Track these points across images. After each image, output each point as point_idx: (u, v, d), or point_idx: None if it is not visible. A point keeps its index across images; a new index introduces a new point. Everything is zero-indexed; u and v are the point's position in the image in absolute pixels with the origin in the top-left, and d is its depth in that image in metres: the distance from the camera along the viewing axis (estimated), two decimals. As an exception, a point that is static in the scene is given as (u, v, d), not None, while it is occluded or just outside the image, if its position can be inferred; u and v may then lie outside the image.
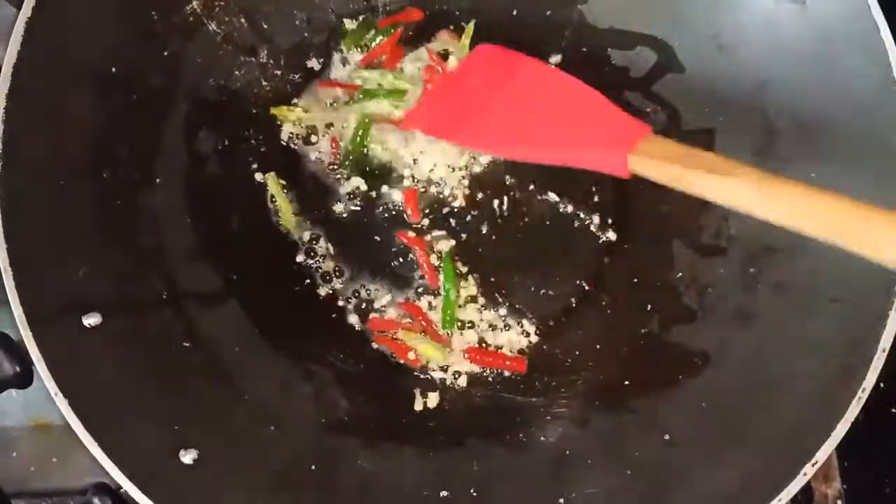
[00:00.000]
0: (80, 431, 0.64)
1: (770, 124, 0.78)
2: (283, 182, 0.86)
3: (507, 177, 0.87)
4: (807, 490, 0.83)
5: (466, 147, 0.84)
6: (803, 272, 0.74)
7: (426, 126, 0.83)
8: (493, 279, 0.86)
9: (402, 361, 0.83)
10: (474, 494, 0.73)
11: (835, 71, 0.73)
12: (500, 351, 0.84)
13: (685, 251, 0.82)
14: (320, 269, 0.85)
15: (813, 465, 0.65)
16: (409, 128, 0.85)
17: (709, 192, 0.62)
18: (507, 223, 0.87)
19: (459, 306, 0.84)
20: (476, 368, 0.83)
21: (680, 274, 0.82)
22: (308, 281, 0.84)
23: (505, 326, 0.84)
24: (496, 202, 0.87)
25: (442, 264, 0.84)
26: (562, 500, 0.72)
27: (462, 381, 0.82)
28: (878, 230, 0.55)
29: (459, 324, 0.84)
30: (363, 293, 0.85)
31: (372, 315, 0.84)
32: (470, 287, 0.85)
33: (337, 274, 0.85)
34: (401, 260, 0.86)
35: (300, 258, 0.85)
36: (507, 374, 0.83)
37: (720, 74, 0.81)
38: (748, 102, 0.79)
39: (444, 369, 0.83)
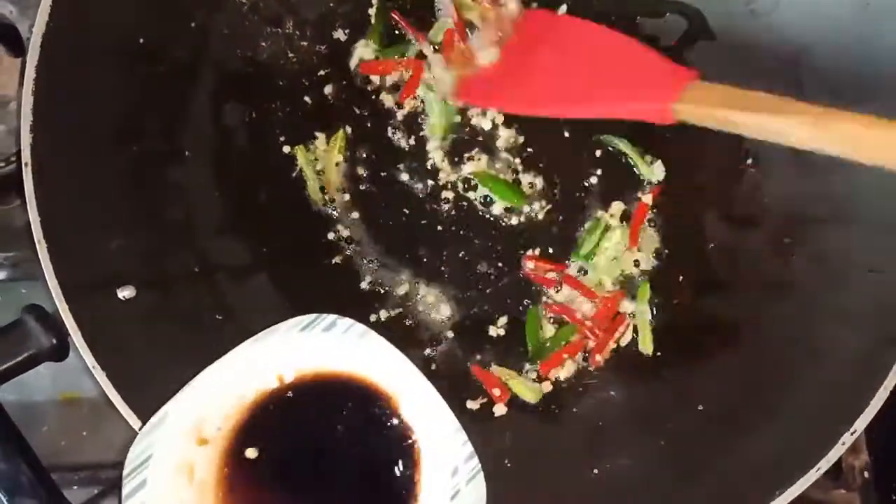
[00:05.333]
0: (118, 402, 0.65)
1: (804, 92, 0.77)
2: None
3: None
4: (835, 461, 0.83)
5: (516, 112, 0.83)
6: (839, 242, 0.74)
7: (478, 98, 0.83)
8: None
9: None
10: (508, 466, 0.73)
11: (874, 37, 0.72)
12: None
13: (718, 222, 0.82)
14: (350, 242, 0.84)
15: (852, 434, 0.65)
16: (462, 100, 0.84)
17: (762, 132, 0.61)
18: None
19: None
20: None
21: (712, 245, 0.81)
22: (338, 254, 0.84)
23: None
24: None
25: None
26: (596, 471, 0.73)
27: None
28: None
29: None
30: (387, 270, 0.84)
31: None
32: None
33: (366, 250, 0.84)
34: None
35: (331, 235, 0.84)
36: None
37: (753, 42, 0.80)
38: (781, 71, 0.78)
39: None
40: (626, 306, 0.81)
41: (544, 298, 0.82)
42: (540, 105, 0.78)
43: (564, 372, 0.80)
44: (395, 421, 0.64)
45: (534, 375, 0.80)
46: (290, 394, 0.65)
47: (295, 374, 0.65)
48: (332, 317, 0.64)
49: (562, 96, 0.76)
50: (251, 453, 0.64)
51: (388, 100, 0.86)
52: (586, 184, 0.84)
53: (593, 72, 0.74)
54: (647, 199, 0.83)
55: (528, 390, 0.79)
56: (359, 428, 0.64)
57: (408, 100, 0.86)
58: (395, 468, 0.63)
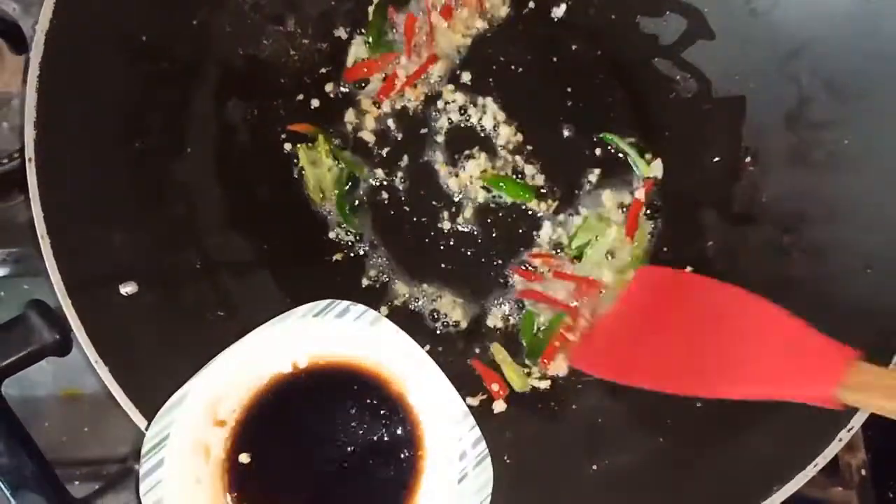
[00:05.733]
0: (120, 397, 0.65)
1: (803, 90, 0.77)
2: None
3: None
4: (831, 458, 0.84)
5: (643, 387, 0.70)
6: (837, 240, 0.74)
7: (594, 367, 0.74)
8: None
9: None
10: (507, 461, 0.74)
11: (872, 34, 0.72)
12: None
13: (716, 220, 0.82)
14: (351, 240, 0.85)
15: (849, 431, 0.65)
16: (577, 366, 0.78)
17: None
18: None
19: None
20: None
21: (711, 243, 0.82)
22: (339, 251, 0.84)
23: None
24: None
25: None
26: (595, 468, 0.73)
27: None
28: None
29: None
30: (389, 266, 0.85)
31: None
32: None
33: (369, 247, 0.85)
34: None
35: (332, 234, 0.84)
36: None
37: (752, 40, 0.80)
38: (781, 68, 0.78)
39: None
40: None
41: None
42: (676, 383, 0.67)
43: (561, 368, 0.81)
44: (404, 405, 0.65)
45: (538, 374, 0.80)
46: (302, 378, 0.66)
47: (308, 359, 0.66)
48: (345, 303, 0.65)
49: (697, 371, 0.67)
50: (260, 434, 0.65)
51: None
52: (586, 182, 0.85)
53: (732, 342, 0.65)
54: (640, 193, 0.84)
55: (517, 377, 0.79)
56: (368, 412, 0.65)
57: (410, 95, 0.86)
58: (403, 452, 0.64)
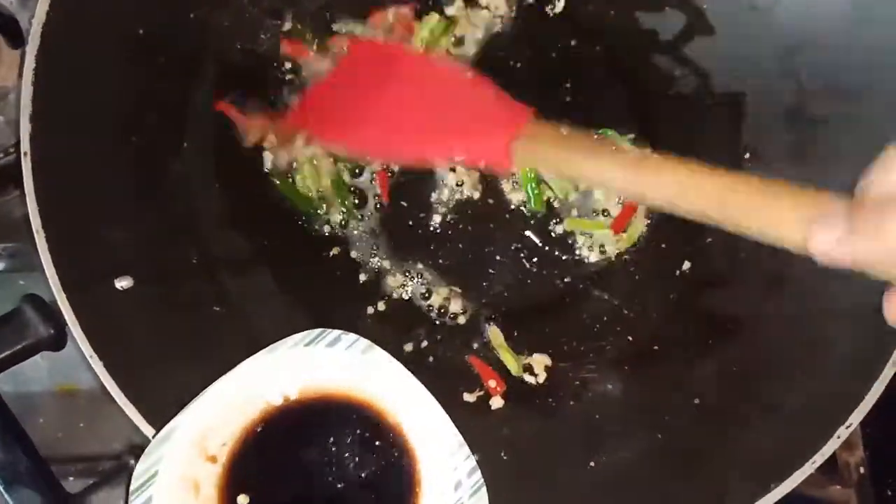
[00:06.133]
0: (115, 393, 0.65)
1: (802, 86, 0.77)
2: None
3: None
4: (830, 457, 0.84)
5: (352, 153, 0.79)
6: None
7: (313, 128, 0.80)
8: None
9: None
10: (505, 458, 0.73)
11: (873, 30, 0.72)
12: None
13: (715, 216, 0.82)
14: (349, 237, 0.84)
15: (847, 428, 0.65)
16: (295, 128, 0.81)
17: (588, 180, 0.59)
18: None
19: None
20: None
21: (710, 239, 0.81)
22: (337, 247, 0.84)
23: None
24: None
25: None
26: (592, 464, 0.73)
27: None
28: (777, 208, 0.52)
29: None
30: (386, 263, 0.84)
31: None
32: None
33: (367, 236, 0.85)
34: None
35: (327, 229, 0.84)
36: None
37: (752, 36, 0.79)
38: (780, 64, 0.78)
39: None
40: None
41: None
42: (375, 147, 0.74)
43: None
44: (398, 435, 0.65)
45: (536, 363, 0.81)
46: (294, 410, 0.65)
47: (299, 390, 0.65)
48: (336, 332, 0.65)
49: (398, 136, 0.72)
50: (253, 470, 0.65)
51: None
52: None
53: (428, 107, 0.70)
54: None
55: (513, 360, 0.80)
56: (362, 443, 0.65)
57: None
58: (398, 483, 0.64)
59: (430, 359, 0.81)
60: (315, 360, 0.65)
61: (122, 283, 0.69)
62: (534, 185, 0.82)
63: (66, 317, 0.65)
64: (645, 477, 0.71)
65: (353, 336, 0.65)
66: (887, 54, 0.71)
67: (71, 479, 0.83)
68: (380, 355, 0.65)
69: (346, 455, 0.65)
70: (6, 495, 0.63)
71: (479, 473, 0.63)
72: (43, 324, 0.66)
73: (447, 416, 0.64)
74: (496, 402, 0.78)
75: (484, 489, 0.63)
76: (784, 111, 0.78)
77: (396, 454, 0.65)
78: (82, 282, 0.66)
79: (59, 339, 0.67)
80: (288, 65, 0.85)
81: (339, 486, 0.64)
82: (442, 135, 0.68)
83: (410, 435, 0.65)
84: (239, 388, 0.64)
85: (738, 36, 0.81)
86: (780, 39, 0.78)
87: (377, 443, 0.65)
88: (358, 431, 0.65)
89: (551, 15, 0.87)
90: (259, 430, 0.65)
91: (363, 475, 0.64)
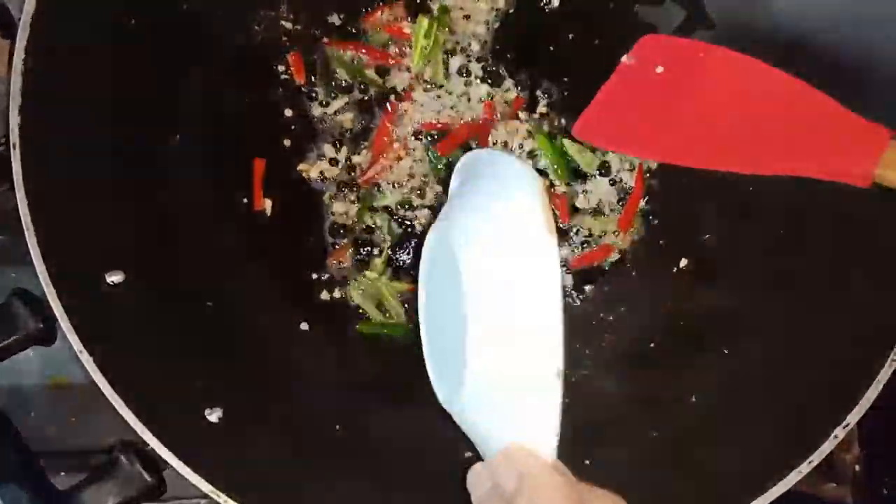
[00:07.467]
0: (105, 388, 0.64)
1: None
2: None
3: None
4: (826, 455, 0.84)
5: (654, 160, 0.74)
6: (835, 234, 0.73)
7: (602, 138, 0.72)
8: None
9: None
10: (499, 455, 0.73)
11: (871, 26, 0.71)
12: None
13: (713, 213, 0.81)
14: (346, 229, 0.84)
15: (844, 428, 0.65)
16: (584, 139, 0.74)
17: None
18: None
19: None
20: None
21: (707, 236, 0.81)
22: (334, 238, 0.83)
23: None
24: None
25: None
26: (588, 462, 0.72)
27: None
28: None
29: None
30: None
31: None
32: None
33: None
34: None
35: (326, 224, 0.84)
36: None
37: (752, 30, 0.79)
38: (781, 59, 0.77)
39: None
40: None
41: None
42: (694, 154, 0.66)
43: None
44: None
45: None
46: None
47: None
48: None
49: (722, 145, 0.65)
50: None
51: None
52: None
53: (760, 115, 0.64)
54: (633, 180, 0.83)
55: None
56: None
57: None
58: None
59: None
60: None
61: (113, 278, 0.68)
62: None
63: (56, 311, 0.64)
64: (639, 475, 0.71)
65: None
66: (885, 50, 0.71)
67: (62, 473, 0.82)
68: None
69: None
70: (-7, 492, 0.63)
71: None
72: (32, 318, 0.65)
73: None
74: None
75: None
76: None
77: None
78: (72, 276, 0.66)
79: (48, 334, 0.66)
80: (281, 67, 0.84)
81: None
82: (779, 148, 0.62)
83: None
84: None
85: (737, 30, 0.80)
86: (780, 34, 0.77)
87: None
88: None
89: (549, 9, 0.86)
90: None
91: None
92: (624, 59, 0.72)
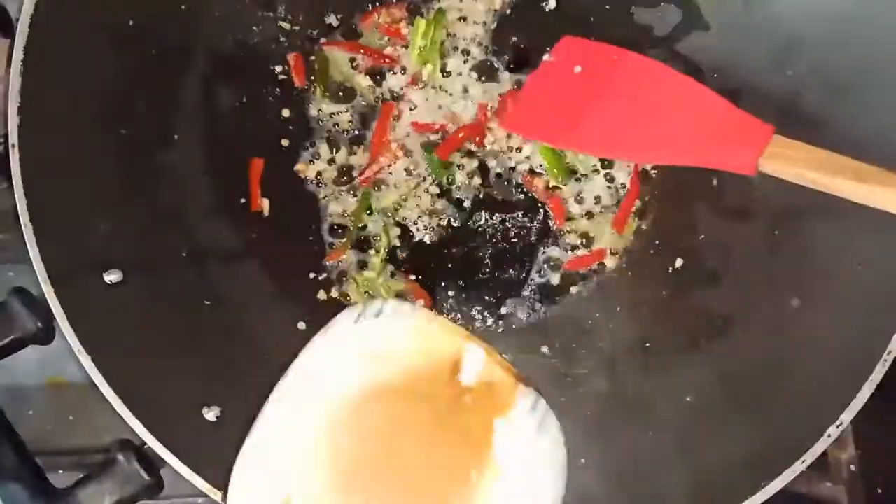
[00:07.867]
0: (103, 387, 0.64)
1: (797, 84, 0.76)
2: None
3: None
4: (821, 454, 0.84)
5: (568, 149, 0.82)
6: (829, 236, 0.73)
7: (524, 128, 0.81)
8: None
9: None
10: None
11: (868, 26, 0.72)
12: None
13: (708, 214, 0.81)
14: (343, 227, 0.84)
15: (838, 427, 0.65)
16: (508, 129, 0.83)
17: (857, 198, 0.61)
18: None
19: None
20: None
21: (702, 237, 0.81)
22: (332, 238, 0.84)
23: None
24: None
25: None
26: (583, 461, 0.73)
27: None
28: None
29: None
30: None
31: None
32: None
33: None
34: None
35: (325, 225, 0.84)
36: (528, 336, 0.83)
37: (747, 33, 0.79)
38: (775, 61, 0.78)
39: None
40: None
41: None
42: (604, 146, 0.75)
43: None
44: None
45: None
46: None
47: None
48: (378, 302, 0.68)
49: (626, 136, 0.73)
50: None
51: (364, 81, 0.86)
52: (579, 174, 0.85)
53: (662, 112, 0.71)
54: (629, 180, 0.84)
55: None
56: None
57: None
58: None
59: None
60: (368, 333, 0.67)
61: (111, 277, 0.68)
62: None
63: (54, 310, 0.64)
64: (635, 474, 0.71)
65: (392, 302, 0.68)
66: (882, 50, 0.71)
67: (60, 472, 0.82)
68: (422, 311, 0.68)
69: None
70: (-8, 490, 0.63)
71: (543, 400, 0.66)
72: (30, 317, 0.65)
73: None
74: None
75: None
76: (778, 108, 0.77)
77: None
78: (70, 275, 0.66)
79: (46, 333, 0.66)
80: (279, 67, 0.84)
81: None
82: (679, 140, 0.70)
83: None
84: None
85: (733, 32, 0.81)
86: (775, 36, 0.77)
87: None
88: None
89: (546, 10, 0.87)
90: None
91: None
92: (545, 57, 0.80)
